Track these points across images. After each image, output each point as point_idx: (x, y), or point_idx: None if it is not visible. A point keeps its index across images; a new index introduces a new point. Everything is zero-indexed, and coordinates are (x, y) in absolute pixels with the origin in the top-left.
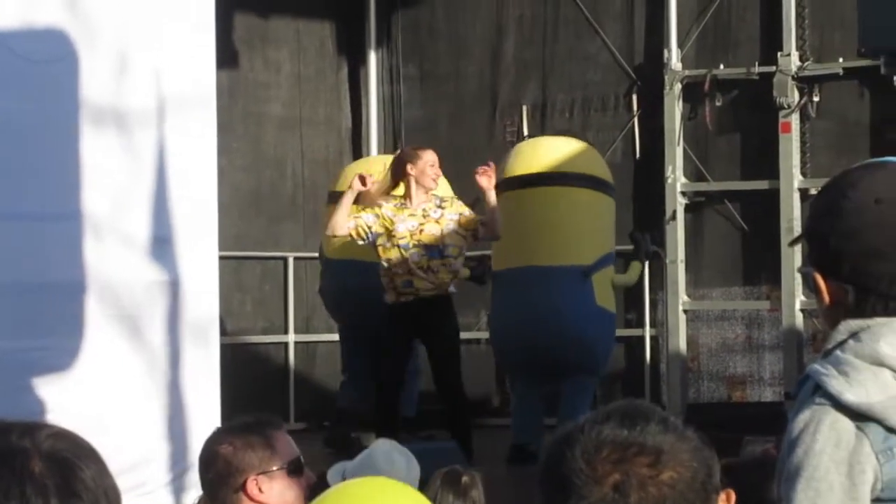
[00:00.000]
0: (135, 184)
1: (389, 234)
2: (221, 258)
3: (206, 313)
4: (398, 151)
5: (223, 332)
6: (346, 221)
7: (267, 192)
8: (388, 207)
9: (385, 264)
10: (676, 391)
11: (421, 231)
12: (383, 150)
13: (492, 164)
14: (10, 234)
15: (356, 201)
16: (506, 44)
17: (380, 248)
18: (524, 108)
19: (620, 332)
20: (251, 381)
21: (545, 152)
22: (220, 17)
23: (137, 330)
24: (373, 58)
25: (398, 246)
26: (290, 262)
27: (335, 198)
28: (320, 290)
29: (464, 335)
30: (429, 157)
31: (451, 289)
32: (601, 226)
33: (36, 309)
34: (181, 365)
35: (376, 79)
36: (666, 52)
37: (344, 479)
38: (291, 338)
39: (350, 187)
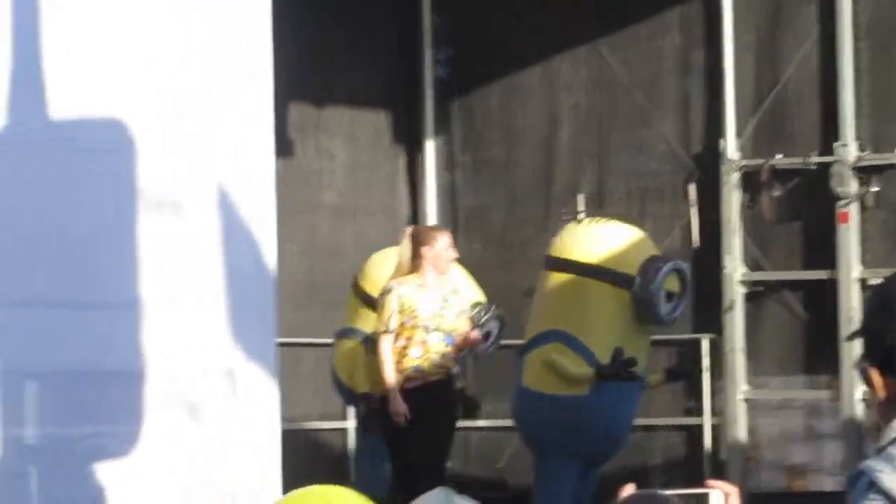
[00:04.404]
0: (193, 272)
1: (411, 314)
2: (278, 345)
3: (265, 399)
4: (410, 231)
5: (281, 419)
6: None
7: (321, 281)
8: (407, 288)
9: (402, 344)
10: (737, 481)
11: (441, 316)
12: None
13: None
14: (68, 322)
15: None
16: (560, 132)
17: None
18: (580, 196)
19: (681, 420)
20: (311, 467)
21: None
22: (275, 105)
23: (197, 417)
24: (430, 146)
25: (420, 328)
26: None
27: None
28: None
29: None
30: (445, 240)
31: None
32: (550, 304)
33: (92, 396)
34: (241, 451)
35: (435, 166)
36: (723, 141)
37: None
38: (350, 423)
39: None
